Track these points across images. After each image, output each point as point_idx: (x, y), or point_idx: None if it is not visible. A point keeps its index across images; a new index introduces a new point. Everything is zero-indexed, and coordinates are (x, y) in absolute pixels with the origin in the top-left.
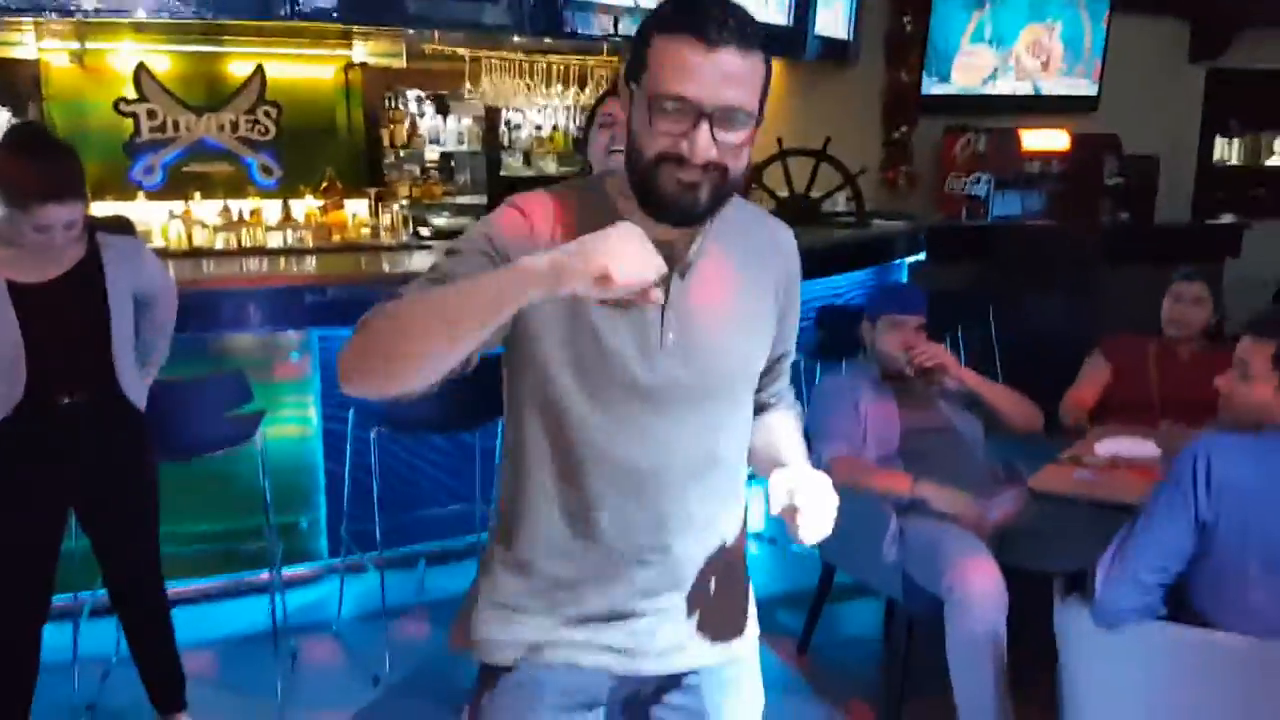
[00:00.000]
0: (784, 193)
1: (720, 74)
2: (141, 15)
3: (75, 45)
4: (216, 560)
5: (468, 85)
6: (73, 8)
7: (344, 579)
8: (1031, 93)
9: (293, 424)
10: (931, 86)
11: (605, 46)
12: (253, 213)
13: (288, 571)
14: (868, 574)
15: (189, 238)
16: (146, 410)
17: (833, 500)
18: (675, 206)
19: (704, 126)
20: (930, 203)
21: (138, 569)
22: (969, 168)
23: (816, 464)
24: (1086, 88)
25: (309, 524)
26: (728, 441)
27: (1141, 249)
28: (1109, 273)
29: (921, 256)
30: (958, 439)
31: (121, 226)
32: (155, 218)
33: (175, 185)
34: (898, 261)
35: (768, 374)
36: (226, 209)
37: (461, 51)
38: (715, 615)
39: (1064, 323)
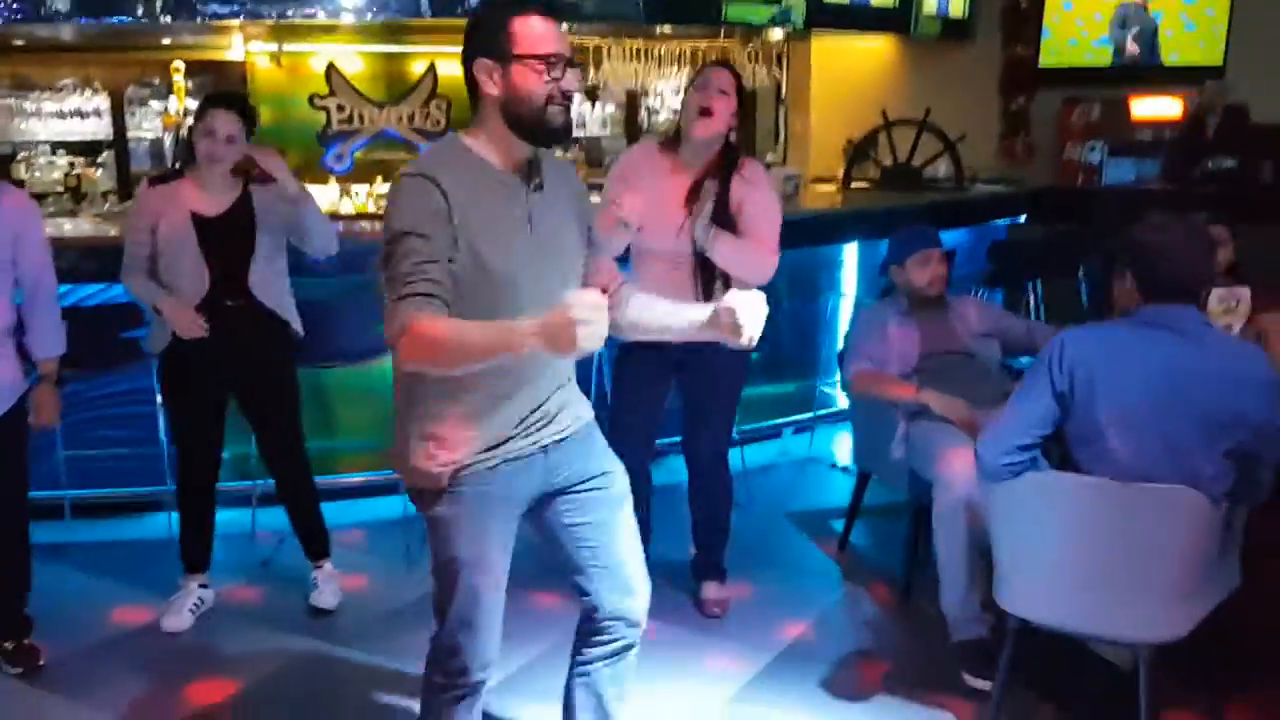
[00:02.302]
0: (887, 161)
1: (561, 34)
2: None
3: (274, 48)
4: (374, 458)
5: (592, 71)
6: (289, 13)
7: None
8: (1154, 63)
9: None
10: (1050, 59)
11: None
12: None
13: None
14: (881, 471)
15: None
16: (308, 324)
17: (760, 305)
18: (562, 133)
19: (569, 71)
20: (1051, 169)
21: (285, 442)
22: (1084, 136)
23: (844, 377)
24: (1212, 57)
25: None
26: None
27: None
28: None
29: (1020, 219)
30: (972, 361)
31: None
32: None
33: (361, 170)
34: (995, 222)
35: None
36: None
37: (588, 42)
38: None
39: None
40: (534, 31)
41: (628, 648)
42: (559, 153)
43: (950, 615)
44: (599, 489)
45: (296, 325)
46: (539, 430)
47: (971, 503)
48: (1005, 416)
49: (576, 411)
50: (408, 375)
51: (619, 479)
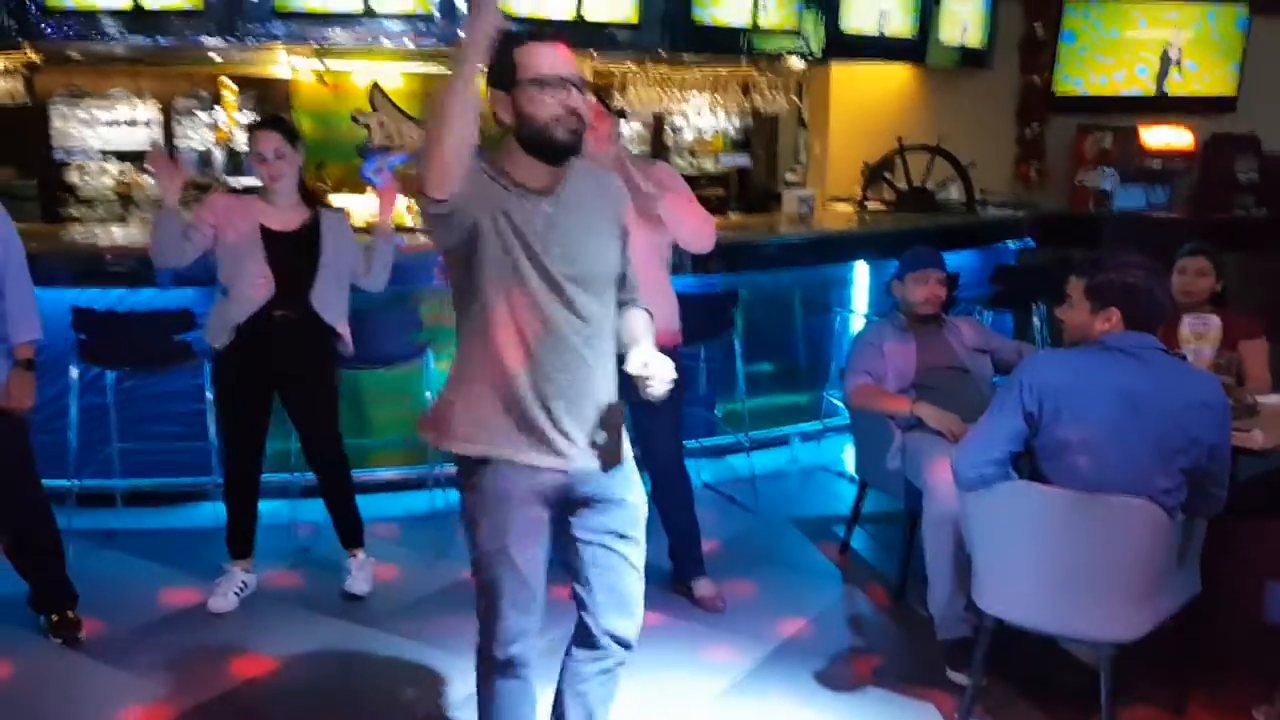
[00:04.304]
0: (902, 184)
1: (566, 57)
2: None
3: (319, 65)
4: (407, 455)
5: (617, 95)
6: (330, 37)
7: None
8: (1166, 93)
9: None
10: (1065, 87)
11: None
12: None
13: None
14: (879, 480)
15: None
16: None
17: (669, 370)
18: (570, 148)
19: (574, 91)
20: (1064, 195)
21: (326, 441)
22: (1096, 163)
23: (844, 392)
24: (1224, 88)
25: None
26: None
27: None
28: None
29: (1029, 243)
30: (966, 377)
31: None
32: None
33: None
34: (1003, 245)
35: (623, 281)
36: None
37: (617, 68)
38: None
39: None
40: (534, 57)
41: (618, 664)
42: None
43: (936, 615)
44: (619, 513)
45: (348, 340)
46: (570, 447)
47: (958, 511)
48: (979, 432)
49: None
50: (464, 344)
51: (639, 509)
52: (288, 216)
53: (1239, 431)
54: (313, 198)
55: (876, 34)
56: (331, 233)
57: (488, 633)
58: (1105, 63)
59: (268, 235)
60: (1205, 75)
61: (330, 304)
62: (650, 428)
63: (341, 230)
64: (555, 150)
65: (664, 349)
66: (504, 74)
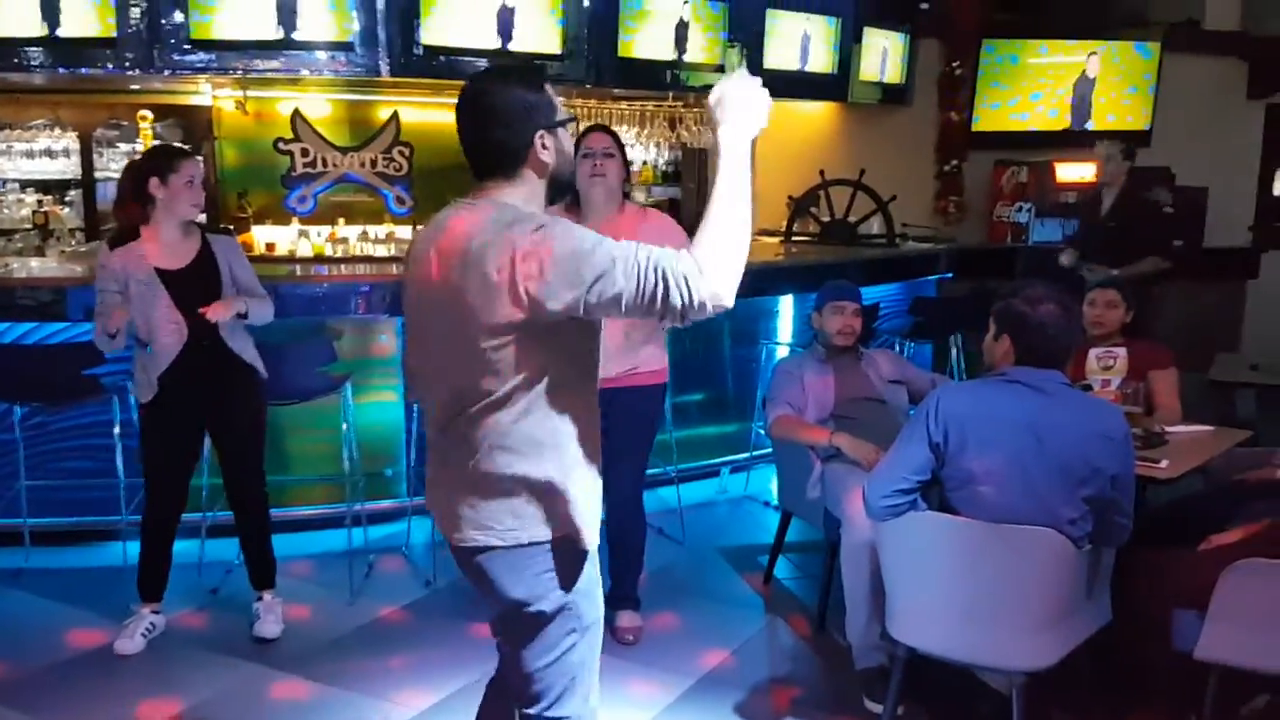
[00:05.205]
0: (826, 217)
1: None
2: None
3: (241, 94)
4: (325, 492)
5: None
6: (256, 68)
7: (414, 516)
8: (1082, 128)
9: (384, 391)
10: (981, 123)
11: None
12: (387, 235)
13: (373, 505)
14: (801, 509)
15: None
16: (265, 364)
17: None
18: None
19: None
20: (982, 229)
21: (250, 479)
22: (1013, 197)
23: (765, 423)
24: (1139, 123)
25: (392, 472)
26: None
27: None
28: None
29: (949, 276)
30: (883, 407)
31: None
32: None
33: (324, 213)
34: (926, 278)
35: None
36: (365, 233)
37: None
38: None
39: None
40: (557, 99)
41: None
42: None
43: (854, 644)
44: None
45: (259, 367)
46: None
47: (874, 540)
48: (888, 462)
49: None
50: (558, 425)
51: None
52: (177, 251)
53: (1146, 461)
54: (196, 225)
55: (798, 71)
56: (224, 258)
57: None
58: (1021, 99)
59: (165, 276)
60: (1120, 110)
61: (236, 335)
62: (619, 455)
63: (232, 253)
64: (571, 187)
65: (653, 388)
66: (551, 112)
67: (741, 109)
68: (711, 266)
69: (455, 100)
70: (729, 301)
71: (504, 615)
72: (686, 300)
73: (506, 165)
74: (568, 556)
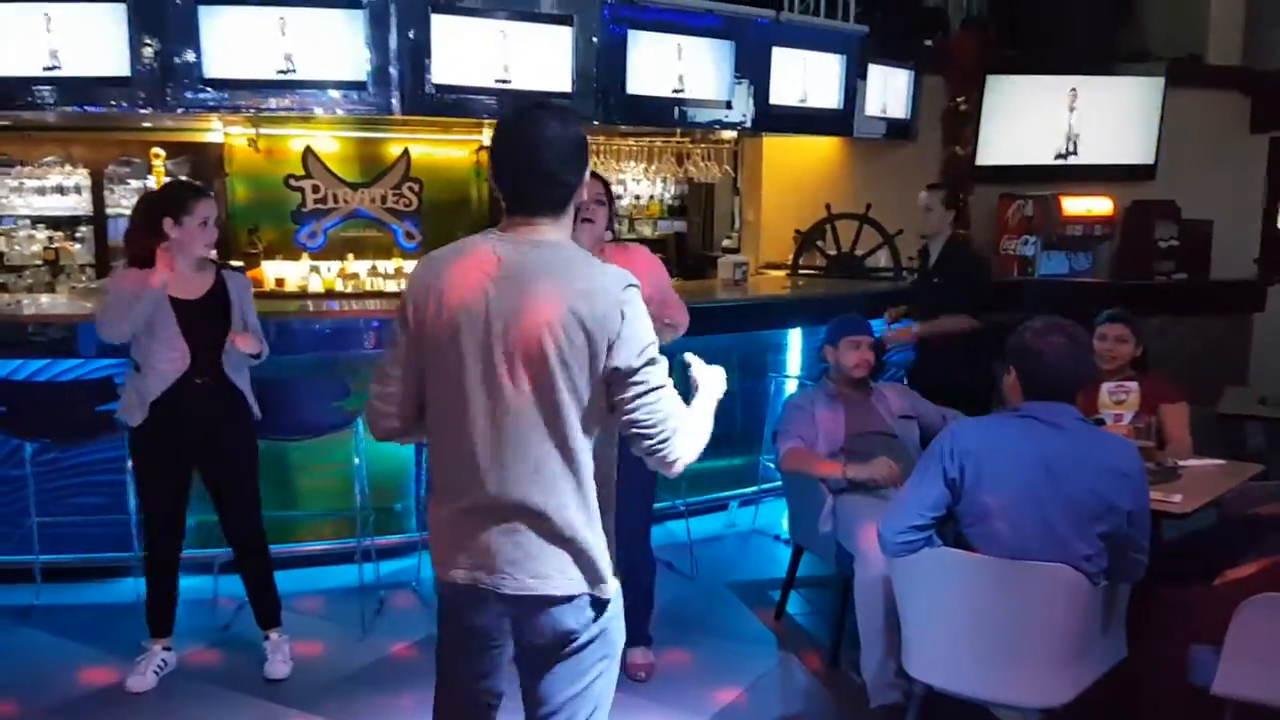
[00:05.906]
0: (832, 251)
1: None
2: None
3: (253, 131)
4: (335, 527)
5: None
6: (267, 106)
7: (424, 551)
8: (1087, 162)
9: None
10: (987, 158)
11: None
12: (396, 270)
13: (383, 540)
14: (812, 544)
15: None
16: (269, 399)
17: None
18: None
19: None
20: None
21: (244, 516)
22: (1019, 231)
23: (776, 456)
24: (1143, 157)
25: (402, 507)
26: None
27: (1157, 302)
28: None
29: None
30: (894, 441)
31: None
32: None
33: (334, 248)
34: None
35: None
36: (374, 268)
37: None
38: None
39: None
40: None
41: None
42: None
43: (869, 681)
44: None
45: (254, 404)
46: None
47: (889, 575)
48: (903, 498)
49: None
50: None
51: None
52: (192, 283)
53: (1160, 496)
54: (210, 261)
55: (803, 106)
56: (237, 295)
57: None
58: (1026, 133)
59: (177, 305)
60: (1124, 144)
61: (240, 371)
62: (622, 498)
63: (244, 292)
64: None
65: None
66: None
67: (711, 380)
68: (688, 448)
69: (465, 137)
70: (681, 469)
71: (540, 649)
72: (667, 454)
73: (559, 201)
74: None
